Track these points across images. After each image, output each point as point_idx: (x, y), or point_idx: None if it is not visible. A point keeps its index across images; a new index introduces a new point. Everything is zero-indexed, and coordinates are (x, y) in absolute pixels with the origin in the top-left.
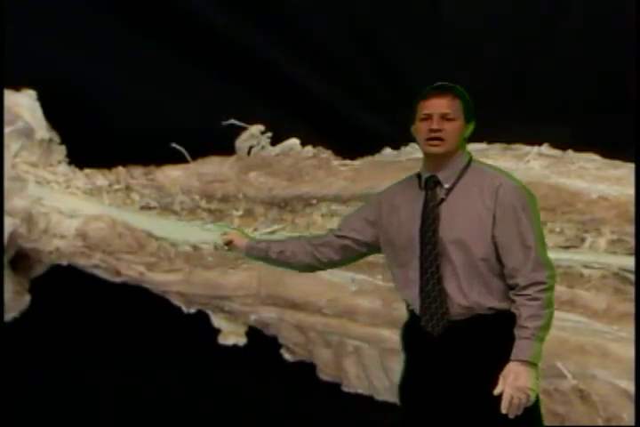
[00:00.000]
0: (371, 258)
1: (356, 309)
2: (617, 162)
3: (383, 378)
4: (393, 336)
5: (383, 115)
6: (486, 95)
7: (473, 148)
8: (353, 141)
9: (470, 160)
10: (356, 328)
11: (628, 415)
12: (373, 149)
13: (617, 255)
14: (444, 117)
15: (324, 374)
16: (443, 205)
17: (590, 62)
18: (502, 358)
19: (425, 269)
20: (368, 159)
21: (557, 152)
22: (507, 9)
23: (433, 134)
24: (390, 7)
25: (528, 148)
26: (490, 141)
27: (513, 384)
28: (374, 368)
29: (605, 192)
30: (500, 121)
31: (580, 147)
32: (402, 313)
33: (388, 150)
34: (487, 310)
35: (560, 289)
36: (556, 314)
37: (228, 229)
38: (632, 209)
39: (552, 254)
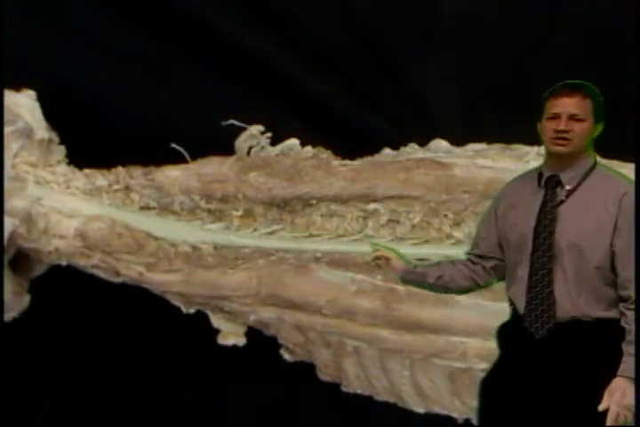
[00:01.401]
0: (369, 258)
1: (355, 309)
2: (615, 162)
3: (382, 378)
4: (392, 336)
5: (383, 115)
6: (486, 95)
7: (472, 148)
8: (352, 142)
9: (595, 163)
10: (355, 328)
11: None
12: (373, 149)
13: None
14: (572, 118)
15: (324, 374)
16: (562, 207)
17: (589, 62)
18: (603, 368)
19: (535, 270)
20: (368, 159)
21: None
22: (506, 8)
23: (559, 135)
24: (391, 6)
25: (527, 148)
26: (489, 142)
27: (620, 402)
28: (374, 368)
29: None
30: (500, 121)
31: None
32: (401, 313)
33: (387, 150)
34: (592, 319)
35: None
36: None
37: (382, 247)
38: None
39: None
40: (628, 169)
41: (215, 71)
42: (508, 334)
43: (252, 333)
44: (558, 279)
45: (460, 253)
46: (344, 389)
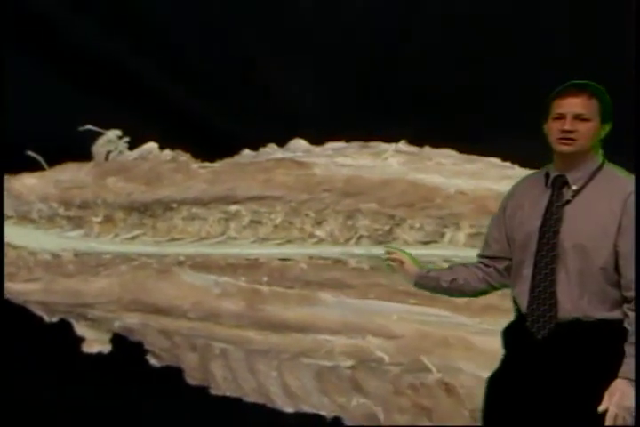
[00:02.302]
0: (232, 260)
1: (220, 311)
2: (473, 157)
3: (250, 379)
4: (258, 337)
5: (240, 116)
6: (344, 93)
7: (331, 147)
8: (211, 144)
9: (603, 163)
10: (221, 331)
11: None
12: (232, 150)
13: (477, 249)
14: (577, 118)
15: (192, 378)
16: (567, 207)
17: (447, 59)
18: (604, 369)
19: (539, 270)
20: (227, 161)
21: (415, 149)
22: (365, 8)
23: (564, 135)
24: (244, 10)
25: (386, 145)
26: (348, 140)
27: (619, 403)
28: (241, 370)
29: (463, 187)
30: (358, 119)
31: (436, 143)
32: (266, 314)
33: (246, 151)
34: (595, 320)
35: None
36: (419, 309)
37: (397, 250)
38: (490, 203)
39: (412, 250)
40: (483, 163)
41: (70, 77)
42: (513, 334)
43: (117, 339)
44: (561, 279)
45: (323, 251)
46: (212, 392)
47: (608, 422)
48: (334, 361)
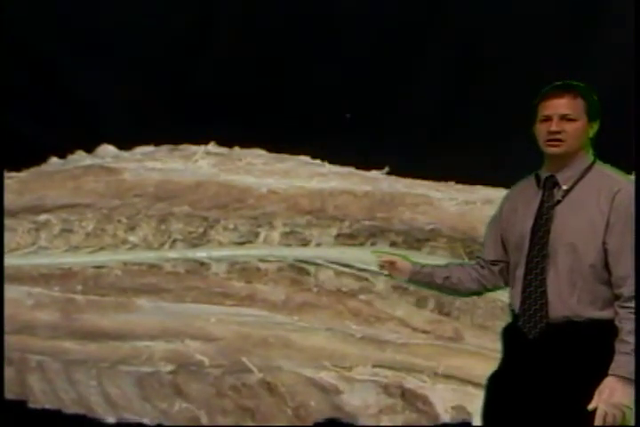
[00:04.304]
0: (44, 270)
1: (34, 323)
2: (283, 155)
3: (70, 390)
4: (76, 347)
5: (45, 123)
6: (150, 96)
7: (141, 151)
8: (17, 153)
9: (594, 162)
10: (36, 343)
11: (316, 402)
12: (39, 159)
13: (291, 247)
14: (564, 118)
15: (9, 393)
16: (558, 207)
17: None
18: (597, 367)
19: (530, 270)
20: (35, 170)
21: (224, 150)
22: (164, 8)
23: (552, 136)
24: (43, 14)
25: (195, 147)
26: (157, 143)
27: (608, 400)
28: (59, 382)
29: (274, 186)
30: (166, 122)
31: (246, 143)
32: (82, 323)
33: (54, 159)
34: (586, 319)
35: (239, 285)
36: (237, 310)
37: (384, 252)
38: (302, 201)
39: (227, 251)
40: (294, 162)
41: None
42: (508, 334)
43: None
44: (551, 279)
45: (137, 257)
46: (31, 405)
47: (597, 421)
48: (154, 367)
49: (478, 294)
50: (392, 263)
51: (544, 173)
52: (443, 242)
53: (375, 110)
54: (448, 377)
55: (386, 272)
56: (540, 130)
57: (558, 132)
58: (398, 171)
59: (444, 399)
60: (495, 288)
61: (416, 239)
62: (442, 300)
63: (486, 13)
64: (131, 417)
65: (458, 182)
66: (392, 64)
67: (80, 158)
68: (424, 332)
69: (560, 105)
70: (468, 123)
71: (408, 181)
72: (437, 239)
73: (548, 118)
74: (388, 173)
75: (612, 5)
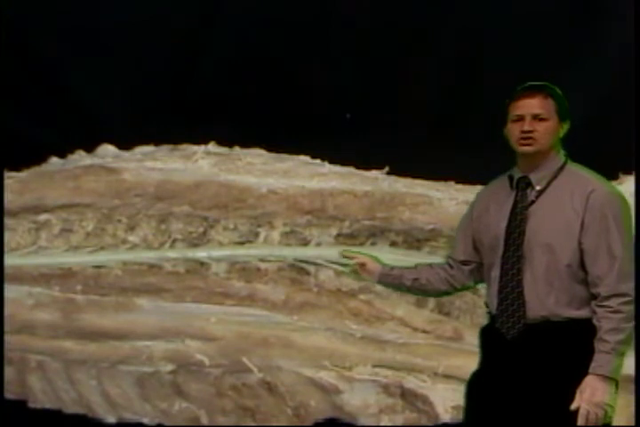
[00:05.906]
0: (44, 270)
1: (35, 322)
2: (283, 155)
3: (70, 390)
4: (76, 347)
5: (46, 123)
6: (150, 96)
7: (141, 151)
8: (17, 153)
9: (566, 162)
10: (37, 342)
11: (316, 402)
12: (39, 159)
13: (291, 247)
14: (536, 118)
15: (9, 393)
16: (532, 208)
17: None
18: (576, 367)
19: (505, 271)
20: (35, 170)
21: (224, 150)
22: (165, 9)
23: (525, 135)
24: (43, 14)
25: (195, 147)
26: (157, 143)
27: (590, 400)
28: (60, 381)
29: (274, 186)
30: (166, 122)
31: (246, 143)
32: (83, 323)
33: (54, 159)
34: (564, 319)
35: (239, 285)
36: (238, 310)
37: (354, 253)
38: (302, 201)
39: (227, 251)
40: (293, 162)
41: None
42: (486, 335)
43: None
44: (527, 279)
45: (137, 257)
46: (31, 405)
47: (580, 420)
48: (154, 367)
49: (447, 294)
50: (362, 265)
51: (517, 174)
52: (443, 242)
53: (375, 110)
54: (448, 377)
55: (353, 273)
56: (513, 129)
57: (531, 132)
58: (398, 171)
59: (444, 399)
60: (464, 288)
61: (416, 239)
62: (442, 300)
63: (486, 13)
64: (131, 417)
65: (458, 182)
66: (392, 64)
67: (80, 158)
68: (424, 332)
69: (532, 105)
70: (468, 123)
71: (408, 180)
72: (437, 239)
73: (520, 118)
74: (388, 173)
75: (612, 5)
